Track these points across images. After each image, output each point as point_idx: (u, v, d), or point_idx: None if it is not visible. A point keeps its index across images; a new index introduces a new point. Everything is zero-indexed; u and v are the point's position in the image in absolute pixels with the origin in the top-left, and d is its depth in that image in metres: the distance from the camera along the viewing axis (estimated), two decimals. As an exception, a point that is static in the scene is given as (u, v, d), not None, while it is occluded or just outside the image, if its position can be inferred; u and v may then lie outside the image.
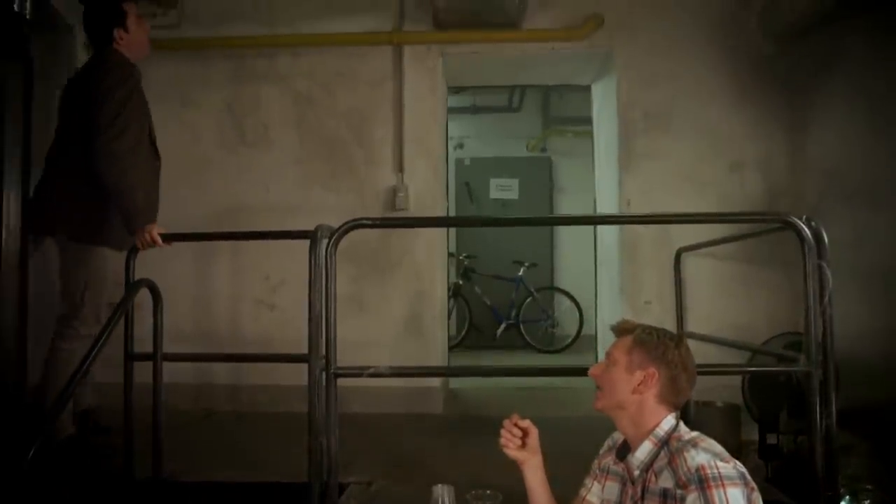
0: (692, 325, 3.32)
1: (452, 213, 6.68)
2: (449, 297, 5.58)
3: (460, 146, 7.92)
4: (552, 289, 7.41)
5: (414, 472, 2.96)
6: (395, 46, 4.34)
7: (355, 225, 2.25)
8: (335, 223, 2.28)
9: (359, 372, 2.24)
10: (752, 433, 3.20)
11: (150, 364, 2.60)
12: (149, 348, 2.62)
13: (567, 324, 7.13)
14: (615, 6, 4.27)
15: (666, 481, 1.52)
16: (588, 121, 5.42)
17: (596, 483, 1.78)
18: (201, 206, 4.17)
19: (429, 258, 4.31)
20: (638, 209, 4.19)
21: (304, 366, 2.26)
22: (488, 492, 1.78)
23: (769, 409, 3.17)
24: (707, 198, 4.12)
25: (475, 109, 7.75)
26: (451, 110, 5.67)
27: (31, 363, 3.38)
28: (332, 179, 4.32)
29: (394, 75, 4.35)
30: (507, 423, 1.79)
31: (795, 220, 2.09)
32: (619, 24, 4.27)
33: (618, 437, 1.76)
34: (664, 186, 4.18)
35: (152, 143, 3.14)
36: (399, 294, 4.27)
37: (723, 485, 1.41)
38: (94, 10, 3.09)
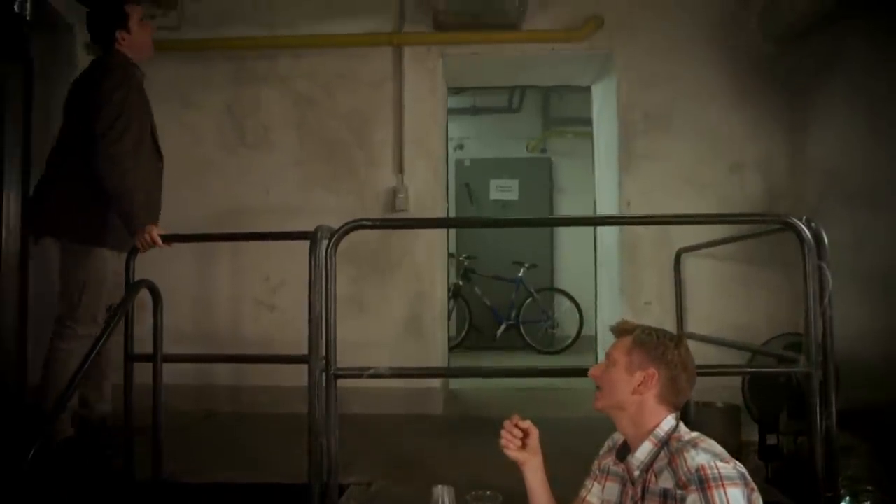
0: (692, 326, 3.32)
1: (452, 214, 6.68)
2: (449, 298, 5.58)
3: (460, 147, 7.92)
4: (552, 289, 7.40)
5: (414, 472, 2.96)
6: (396, 47, 4.34)
7: (355, 226, 2.26)
8: (335, 224, 2.28)
9: (359, 373, 2.24)
10: (752, 434, 3.20)
11: (150, 365, 2.60)
12: (149, 349, 2.62)
13: (567, 324, 7.12)
14: (615, 7, 4.27)
15: (666, 482, 1.52)
16: (588, 122, 5.42)
17: (596, 484, 1.78)
18: (202, 208, 4.17)
19: (429, 259, 4.31)
20: (638, 210, 4.19)
21: (305, 366, 2.26)
22: (488, 492, 1.78)
23: (769, 410, 3.17)
24: (707, 198, 4.12)
25: (475, 110, 7.75)
26: (451, 111, 5.67)
27: (31, 363, 3.39)
28: (333, 181, 4.33)
29: (394, 76, 4.35)
30: (507, 423, 1.79)
31: (795, 221, 2.09)
32: (619, 25, 4.27)
33: (618, 437, 1.76)
34: (664, 187, 4.18)
35: (155, 143, 3.14)
36: (399, 295, 4.27)
37: (723, 485, 1.41)
38: (97, 12, 3.11)
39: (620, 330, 1.72)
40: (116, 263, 2.97)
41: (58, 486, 2.56)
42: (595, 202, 5.09)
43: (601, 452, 1.82)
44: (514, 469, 1.80)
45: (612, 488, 1.73)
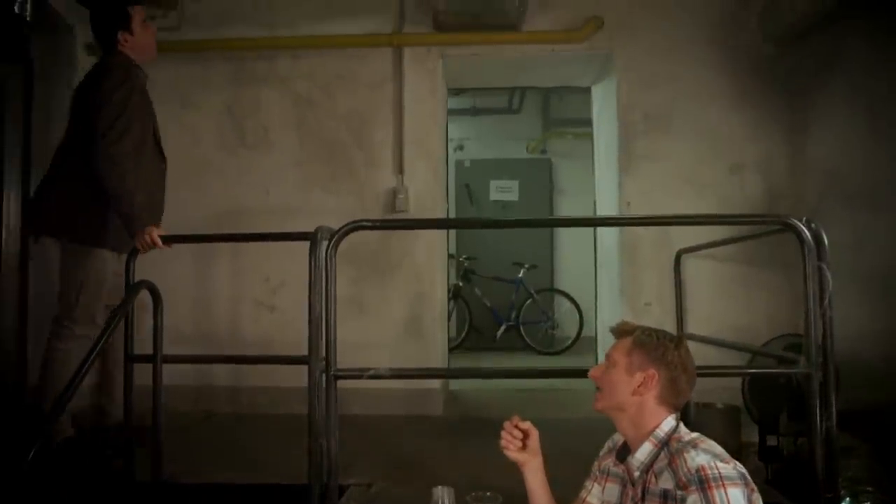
0: (692, 327, 3.32)
1: (452, 215, 6.68)
2: (449, 299, 5.58)
3: (460, 148, 7.92)
4: (552, 290, 7.40)
5: (414, 473, 2.96)
6: (395, 48, 4.34)
7: (355, 227, 2.26)
8: (335, 225, 2.28)
9: (359, 374, 2.25)
10: (752, 435, 3.20)
11: (149, 366, 2.60)
12: (149, 350, 2.62)
13: (567, 325, 7.12)
14: (615, 8, 4.27)
15: (666, 482, 1.52)
16: (588, 122, 5.42)
17: (596, 485, 1.78)
18: (201, 208, 4.17)
19: (429, 260, 4.31)
20: (638, 211, 4.19)
21: (305, 367, 2.26)
22: (488, 493, 1.78)
23: (769, 411, 3.17)
24: (707, 199, 4.12)
25: (475, 111, 7.75)
26: (451, 112, 5.67)
27: (31, 364, 3.39)
28: (332, 181, 4.32)
29: (394, 77, 4.35)
30: (507, 424, 1.79)
31: (795, 221, 2.09)
32: (618, 26, 4.27)
33: (618, 438, 1.76)
34: (664, 188, 4.18)
35: (157, 145, 3.15)
36: (399, 296, 4.27)
37: (723, 485, 1.41)
38: (100, 13, 3.12)
39: (620, 331, 1.72)
40: (117, 265, 2.97)
41: (58, 486, 2.56)
42: (595, 203, 5.09)
43: (601, 453, 1.82)
44: (515, 470, 1.80)
45: (612, 489, 1.73)
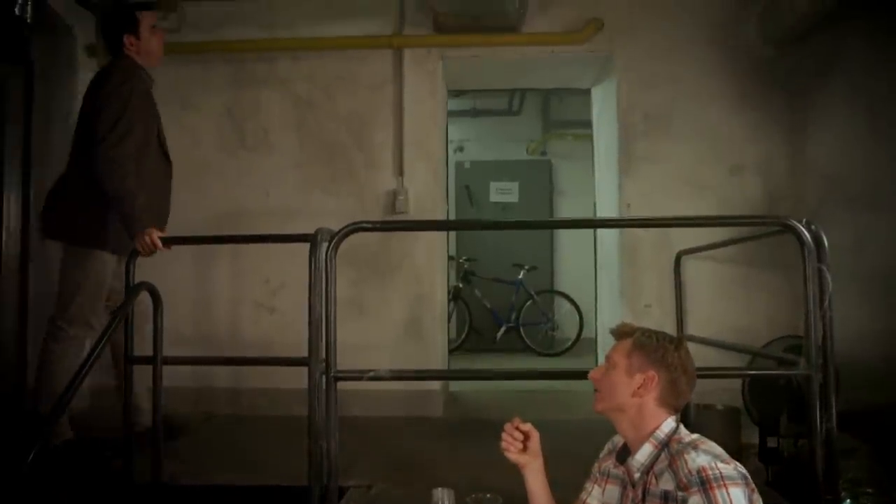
0: (692, 329, 3.32)
1: (452, 217, 6.67)
2: (449, 301, 5.58)
3: (460, 149, 7.91)
4: (552, 292, 7.40)
5: (414, 475, 2.95)
6: (395, 50, 4.34)
7: (355, 228, 2.26)
8: (335, 227, 2.28)
9: (359, 375, 2.25)
10: (752, 436, 3.20)
11: (149, 367, 2.60)
12: (149, 351, 2.62)
13: (567, 327, 7.12)
14: (615, 9, 4.27)
15: (667, 483, 1.52)
16: (588, 124, 5.42)
17: (596, 486, 1.78)
18: (201, 210, 4.17)
19: (429, 261, 4.31)
20: (638, 212, 4.19)
21: (304, 369, 2.26)
22: (489, 495, 1.78)
23: (769, 413, 3.17)
24: (707, 201, 4.11)
25: (475, 113, 7.75)
26: (451, 113, 5.67)
27: (30, 366, 3.39)
28: (332, 183, 4.32)
29: (394, 79, 4.35)
30: (508, 426, 1.79)
31: (795, 223, 2.09)
32: (618, 27, 4.27)
33: (618, 440, 1.76)
34: (664, 189, 4.18)
35: (162, 147, 3.15)
36: (399, 297, 4.27)
37: (725, 485, 1.41)
38: (109, 16, 3.14)
39: (620, 332, 1.72)
40: (118, 267, 2.97)
41: (57, 488, 2.55)
42: (595, 204, 5.09)
43: (601, 455, 1.82)
44: (515, 472, 1.80)
45: (613, 491, 1.73)
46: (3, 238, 3.55)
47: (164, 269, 3.27)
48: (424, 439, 3.63)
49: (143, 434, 2.74)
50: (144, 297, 2.62)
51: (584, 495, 1.79)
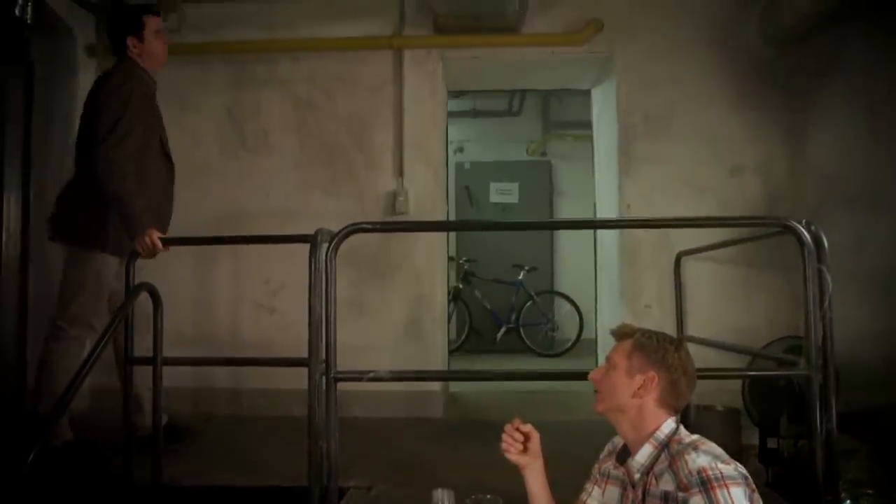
0: (692, 329, 3.32)
1: (452, 217, 6.67)
2: (449, 301, 5.58)
3: (460, 150, 7.92)
4: (552, 292, 7.40)
5: (414, 476, 2.95)
6: (396, 51, 4.34)
7: (355, 229, 2.26)
8: (335, 227, 2.28)
9: (359, 376, 2.25)
10: (752, 437, 3.20)
11: (149, 368, 2.60)
12: (149, 352, 2.62)
13: (567, 327, 7.12)
14: (615, 9, 4.27)
15: (667, 484, 1.52)
16: (588, 125, 5.42)
17: (596, 487, 1.78)
18: (202, 211, 4.16)
19: (429, 262, 4.31)
20: (638, 213, 4.19)
21: (304, 369, 2.26)
22: (489, 496, 1.78)
23: (769, 414, 3.17)
24: (707, 201, 4.11)
25: (475, 113, 7.75)
26: (451, 114, 5.67)
27: (31, 367, 3.39)
28: (333, 184, 4.33)
29: (394, 79, 4.35)
30: (508, 427, 1.79)
31: (795, 224, 2.09)
32: (618, 28, 4.27)
33: (618, 441, 1.76)
34: (664, 190, 4.18)
35: (163, 147, 3.15)
36: (399, 298, 4.27)
37: (725, 485, 1.41)
38: (114, 18, 3.16)
39: (620, 333, 1.72)
40: (119, 268, 2.97)
41: (57, 489, 2.55)
42: (595, 205, 5.09)
43: (601, 456, 1.82)
44: (515, 472, 1.80)
45: (613, 492, 1.73)
46: (3, 239, 3.55)
47: (164, 269, 3.27)
48: (424, 440, 3.63)
49: (145, 437, 2.74)
50: (145, 298, 2.62)
51: (584, 496, 1.79)
